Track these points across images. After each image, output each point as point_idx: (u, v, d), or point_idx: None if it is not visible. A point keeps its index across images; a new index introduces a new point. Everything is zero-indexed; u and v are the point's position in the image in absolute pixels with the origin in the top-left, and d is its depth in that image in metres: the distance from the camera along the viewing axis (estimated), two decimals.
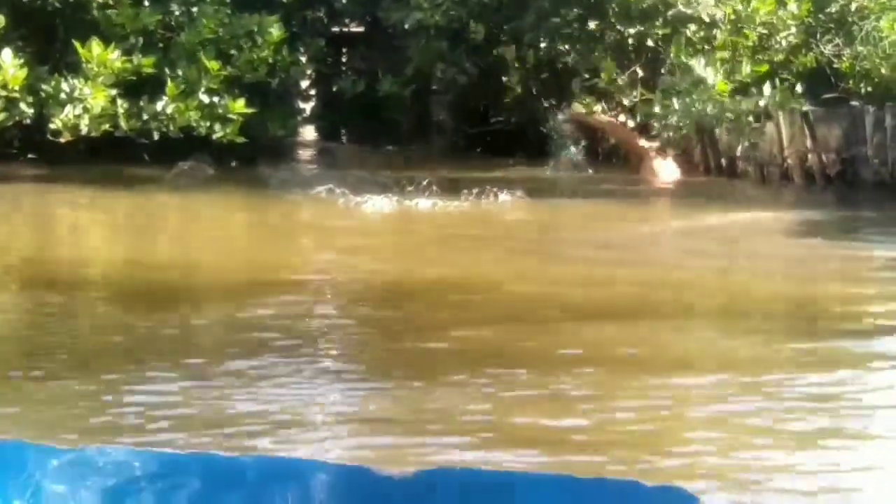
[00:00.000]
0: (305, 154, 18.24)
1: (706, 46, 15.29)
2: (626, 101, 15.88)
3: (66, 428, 5.89)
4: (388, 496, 3.10)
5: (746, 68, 15.00)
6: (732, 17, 15.57)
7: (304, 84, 19.05)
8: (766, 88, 14.65)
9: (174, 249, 11.00)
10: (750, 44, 15.85)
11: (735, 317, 8.45)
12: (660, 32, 15.62)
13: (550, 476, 3.72)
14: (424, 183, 13.09)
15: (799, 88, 14.66)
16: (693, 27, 15.50)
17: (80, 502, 2.99)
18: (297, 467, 3.22)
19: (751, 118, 14.88)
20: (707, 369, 6.96)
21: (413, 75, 17.72)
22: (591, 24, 16.44)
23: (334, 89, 18.60)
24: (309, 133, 19.36)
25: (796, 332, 7.96)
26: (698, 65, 14.74)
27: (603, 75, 15.80)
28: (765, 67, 14.92)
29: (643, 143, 15.89)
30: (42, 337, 7.58)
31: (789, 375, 6.75)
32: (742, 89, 14.94)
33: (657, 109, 14.98)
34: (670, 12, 15.62)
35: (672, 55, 15.04)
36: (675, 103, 14.77)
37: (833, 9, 16.19)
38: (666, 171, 15.65)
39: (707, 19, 15.48)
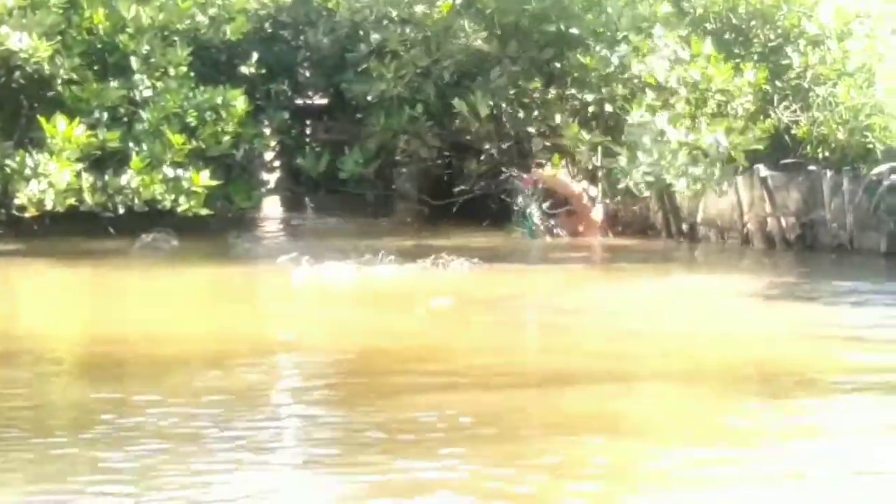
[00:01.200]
0: (270, 225, 18.28)
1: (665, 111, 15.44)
2: (587, 163, 15.99)
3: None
4: None
5: (704, 129, 15.16)
6: (688, 81, 15.73)
7: (269, 156, 19.10)
8: (721, 137, 14.76)
9: (137, 322, 11.00)
10: (708, 110, 16.03)
11: (694, 380, 8.54)
12: (620, 94, 15.78)
13: None
14: (384, 252, 13.20)
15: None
16: (651, 94, 15.65)
17: None
18: None
19: (715, 174, 14.93)
20: (683, 436, 7.05)
21: (376, 150, 17.75)
22: (552, 92, 16.60)
23: (298, 161, 18.63)
24: (274, 204, 19.39)
25: (754, 394, 8.07)
26: (660, 120, 14.85)
27: (566, 134, 15.88)
28: (724, 125, 15.04)
29: (587, 201, 15.97)
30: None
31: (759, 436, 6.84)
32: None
33: (622, 162, 14.88)
34: (625, 74, 15.78)
35: (633, 110, 15.15)
36: (641, 156, 14.78)
37: (790, 75, 16.40)
38: (597, 231, 15.81)
39: (661, 79, 15.61)
